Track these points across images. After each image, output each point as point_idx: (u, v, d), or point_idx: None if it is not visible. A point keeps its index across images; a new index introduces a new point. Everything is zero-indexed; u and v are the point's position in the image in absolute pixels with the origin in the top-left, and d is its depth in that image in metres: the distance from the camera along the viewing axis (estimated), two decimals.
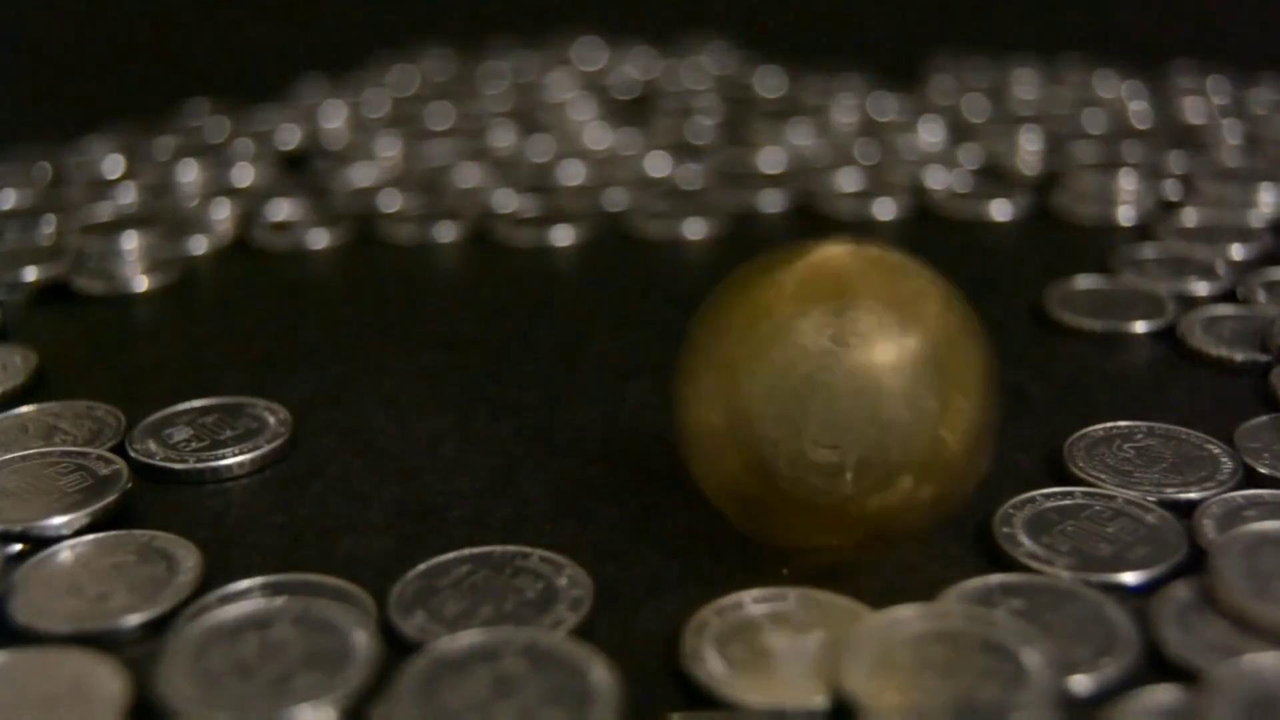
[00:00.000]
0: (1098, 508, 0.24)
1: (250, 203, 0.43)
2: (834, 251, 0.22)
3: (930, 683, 0.19)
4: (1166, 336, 0.32)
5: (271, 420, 0.28)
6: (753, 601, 0.22)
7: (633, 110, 0.53)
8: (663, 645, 0.21)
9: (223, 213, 0.42)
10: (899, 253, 0.23)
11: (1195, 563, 0.22)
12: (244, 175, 0.45)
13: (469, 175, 0.45)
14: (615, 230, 0.41)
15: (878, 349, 0.21)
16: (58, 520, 0.24)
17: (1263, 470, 0.25)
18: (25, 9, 0.80)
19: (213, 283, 0.38)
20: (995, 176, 0.44)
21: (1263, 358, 0.30)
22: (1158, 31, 0.67)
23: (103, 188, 0.44)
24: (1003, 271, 0.38)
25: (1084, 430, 0.27)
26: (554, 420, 0.29)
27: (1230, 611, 0.21)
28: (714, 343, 0.22)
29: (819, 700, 0.19)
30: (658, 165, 0.45)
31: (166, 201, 0.43)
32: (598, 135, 0.49)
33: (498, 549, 0.23)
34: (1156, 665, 0.20)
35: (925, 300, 0.22)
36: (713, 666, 0.20)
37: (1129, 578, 0.22)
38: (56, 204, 0.42)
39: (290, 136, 0.50)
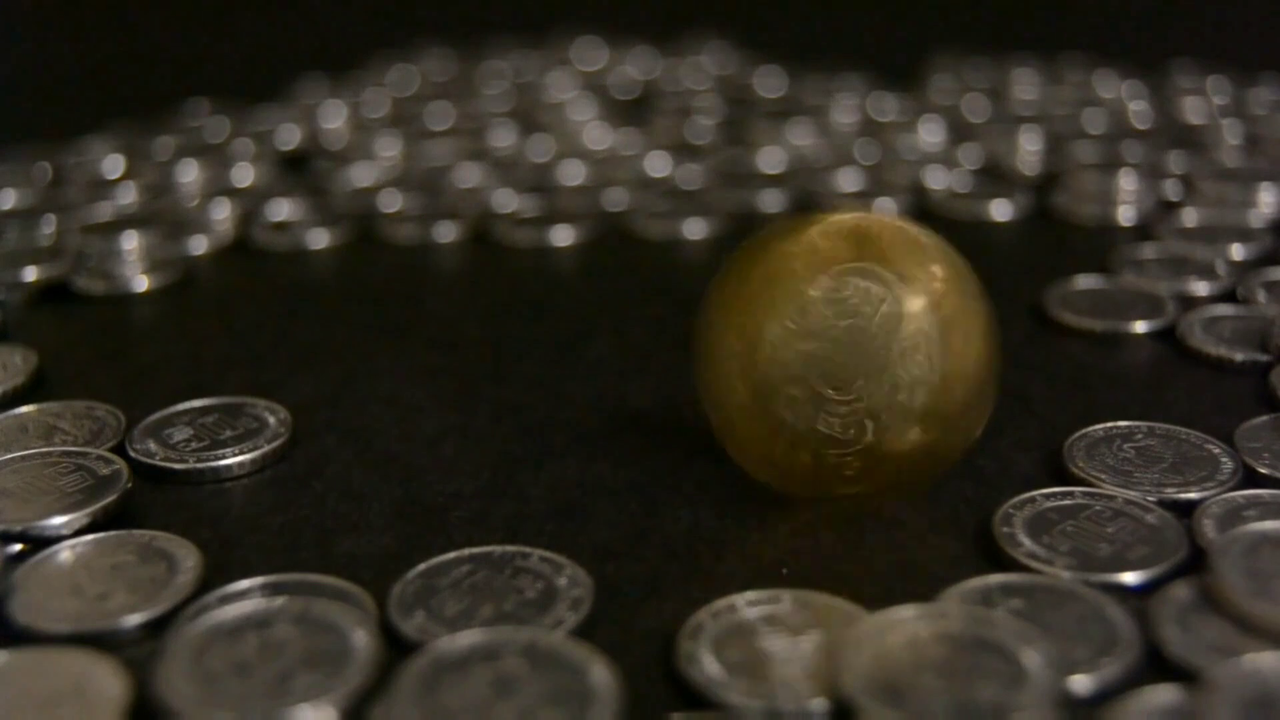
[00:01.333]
0: (1098, 508, 0.24)
1: (250, 203, 0.43)
2: (843, 217, 0.24)
3: (930, 683, 0.19)
4: (1166, 336, 0.32)
5: (271, 420, 0.28)
6: (749, 604, 0.22)
7: (633, 110, 0.53)
8: (662, 646, 0.21)
9: (223, 213, 0.42)
10: (905, 218, 0.25)
11: (1195, 563, 0.22)
12: (244, 175, 0.45)
13: (469, 175, 0.45)
14: (615, 230, 0.41)
15: (887, 306, 0.23)
16: (58, 520, 0.24)
17: (1263, 470, 0.25)
18: (25, 9, 0.80)
19: (213, 283, 0.38)
20: (995, 176, 0.44)
21: (1263, 358, 0.30)
22: (1158, 31, 0.67)
23: (103, 188, 0.44)
24: (1003, 271, 0.38)
25: (1084, 430, 0.27)
26: (554, 420, 0.29)
27: (1230, 611, 0.21)
28: (732, 308, 0.24)
29: (817, 702, 0.19)
30: (658, 165, 0.45)
31: (166, 201, 0.43)
32: (598, 135, 0.49)
33: (498, 549, 0.23)
34: (1156, 665, 0.20)
35: (930, 261, 0.24)
36: (709, 669, 0.20)
37: (1129, 578, 0.22)
38: (56, 204, 0.42)
39: (290, 136, 0.50)
